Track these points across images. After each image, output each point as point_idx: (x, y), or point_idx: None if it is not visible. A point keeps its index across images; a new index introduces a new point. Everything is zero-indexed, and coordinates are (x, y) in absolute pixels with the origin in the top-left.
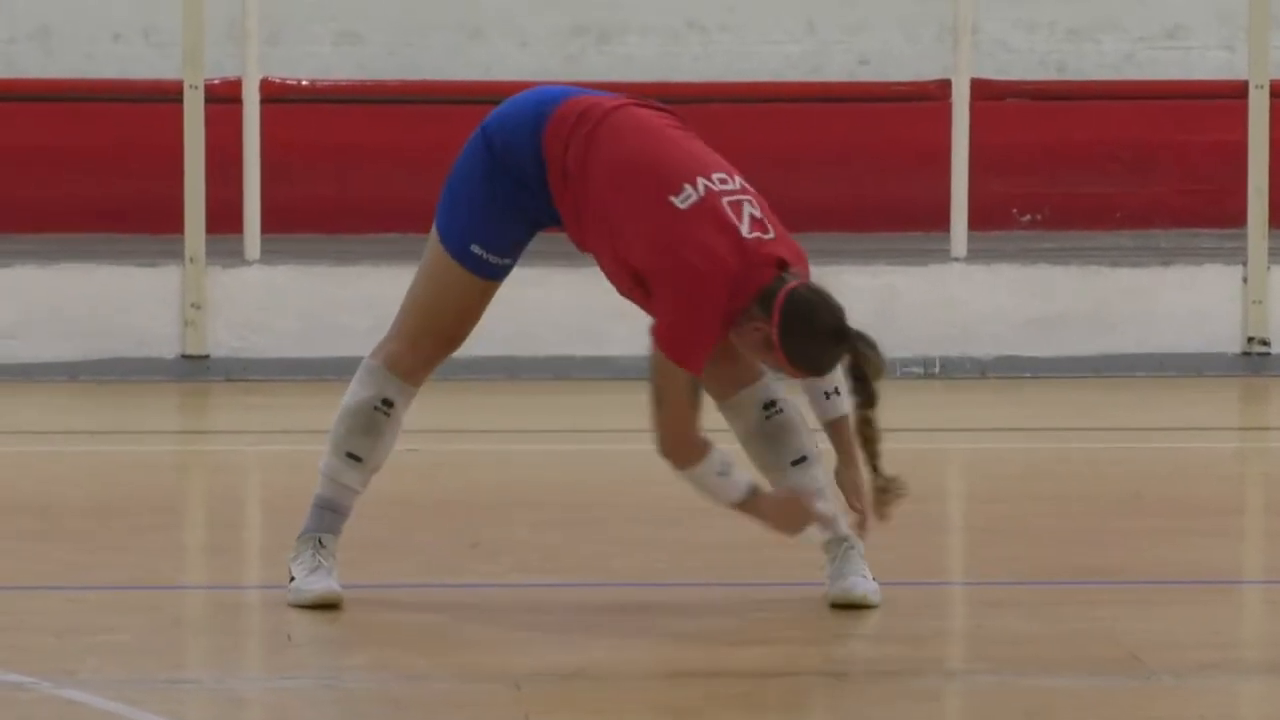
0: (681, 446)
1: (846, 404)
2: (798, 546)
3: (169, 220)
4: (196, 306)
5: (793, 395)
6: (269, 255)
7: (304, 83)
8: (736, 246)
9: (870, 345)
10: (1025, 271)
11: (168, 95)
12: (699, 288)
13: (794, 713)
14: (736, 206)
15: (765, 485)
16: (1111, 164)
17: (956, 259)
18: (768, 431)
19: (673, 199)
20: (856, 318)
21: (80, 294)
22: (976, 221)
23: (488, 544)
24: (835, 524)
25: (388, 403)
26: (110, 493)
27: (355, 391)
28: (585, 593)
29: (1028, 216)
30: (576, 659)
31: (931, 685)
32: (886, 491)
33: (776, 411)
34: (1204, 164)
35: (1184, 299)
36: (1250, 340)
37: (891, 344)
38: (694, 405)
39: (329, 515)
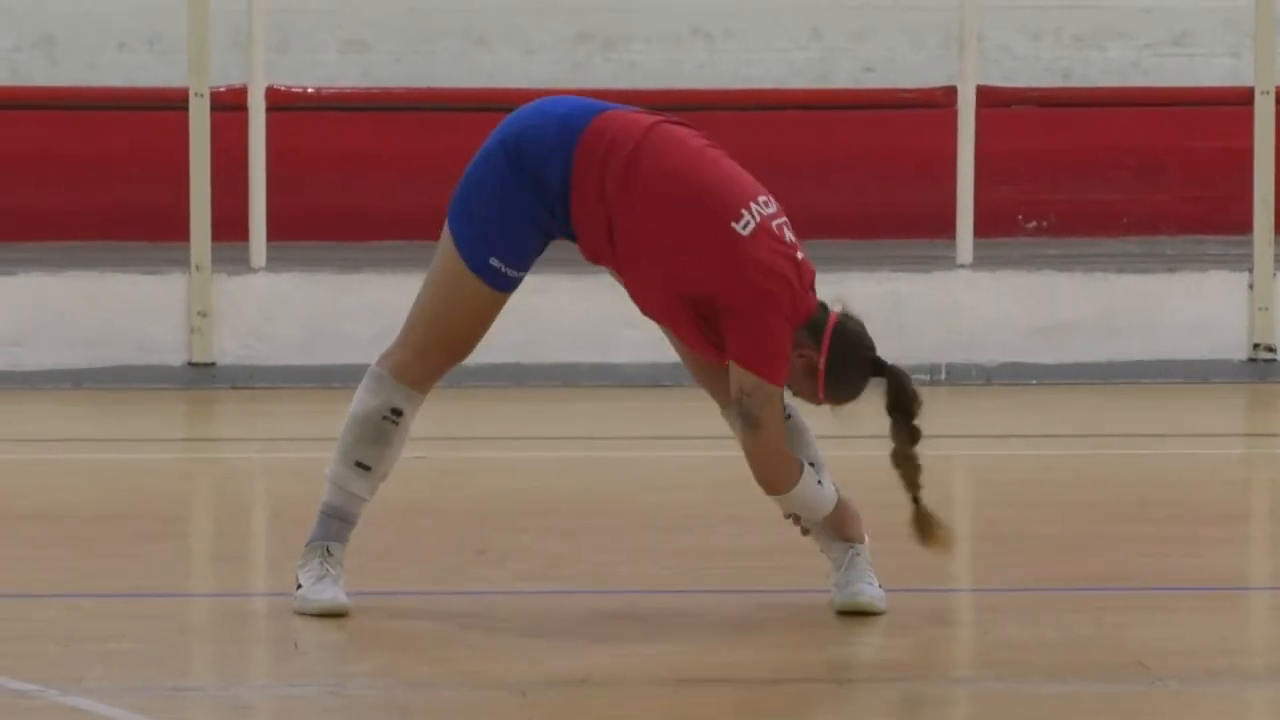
0: (784, 467)
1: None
2: (803, 554)
3: (175, 228)
4: (202, 314)
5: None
6: (275, 263)
7: (310, 90)
8: (795, 267)
9: (907, 378)
10: (1031, 278)
11: (173, 103)
12: (775, 307)
13: (800, 719)
14: (781, 230)
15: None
16: (1117, 171)
17: (962, 266)
18: None
19: (735, 226)
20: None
21: (86, 302)
22: (982, 228)
23: (494, 551)
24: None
25: (396, 411)
26: (116, 500)
27: (363, 400)
28: (591, 600)
29: (1033, 223)
30: (582, 666)
31: (937, 692)
32: (931, 528)
33: (784, 418)
34: (1210, 170)
35: (1190, 305)
36: (1256, 347)
37: (897, 351)
38: (783, 423)
39: (336, 523)
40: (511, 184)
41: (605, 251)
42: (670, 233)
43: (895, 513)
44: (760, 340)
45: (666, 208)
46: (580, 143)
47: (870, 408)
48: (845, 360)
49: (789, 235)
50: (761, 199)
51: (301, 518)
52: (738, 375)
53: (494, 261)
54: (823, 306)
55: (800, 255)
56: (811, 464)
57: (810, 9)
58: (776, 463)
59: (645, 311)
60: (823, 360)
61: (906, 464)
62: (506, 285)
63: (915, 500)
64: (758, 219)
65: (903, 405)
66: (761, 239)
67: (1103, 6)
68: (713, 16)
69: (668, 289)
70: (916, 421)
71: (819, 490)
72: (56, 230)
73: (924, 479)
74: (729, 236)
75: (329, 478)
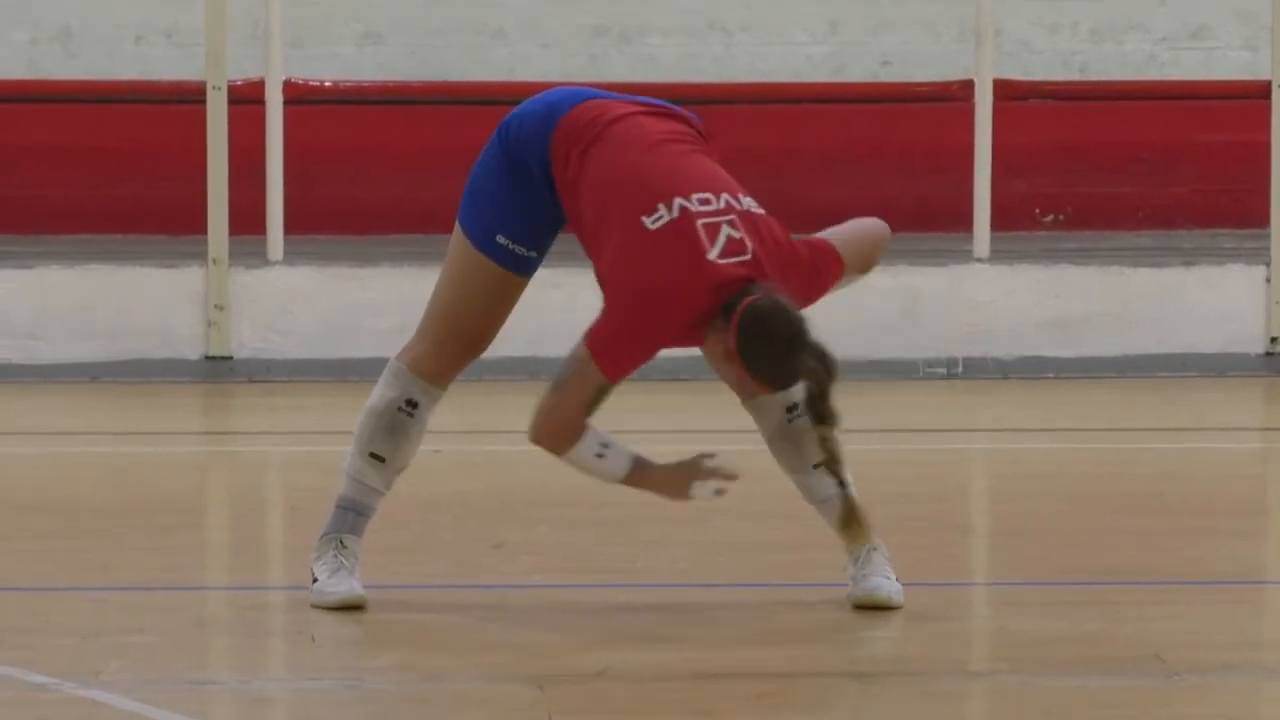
0: (558, 431)
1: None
2: (820, 548)
3: (192, 221)
4: (220, 307)
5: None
6: (292, 256)
7: (327, 84)
8: (697, 269)
9: (822, 358)
10: (1047, 272)
11: (190, 96)
12: (644, 306)
13: (817, 713)
14: (713, 229)
15: (647, 455)
16: (1134, 164)
17: (979, 259)
18: (790, 434)
19: (644, 219)
20: (822, 329)
21: (103, 295)
22: (999, 222)
23: (511, 545)
24: (724, 471)
25: (411, 404)
26: (133, 494)
27: (380, 392)
28: (608, 593)
29: (1050, 217)
30: (600, 659)
31: (954, 686)
32: (849, 517)
33: (798, 414)
34: (1226, 164)
35: (1206, 299)
36: (1273, 340)
37: (913, 344)
38: (590, 408)
39: (352, 516)
40: (506, 167)
41: (579, 237)
42: (596, 220)
43: (910, 506)
44: (615, 335)
45: (598, 195)
46: (556, 130)
47: (863, 402)
48: (756, 341)
49: (727, 235)
50: (698, 196)
51: (318, 511)
52: (579, 342)
53: (500, 239)
54: (744, 292)
55: (725, 258)
56: (816, 466)
57: (827, 2)
58: (556, 426)
59: None
60: (733, 341)
61: (822, 446)
62: (516, 264)
63: (840, 484)
64: (675, 214)
65: (808, 385)
66: (666, 237)
67: (1119, 0)
68: (729, 10)
69: (598, 276)
70: (829, 402)
71: (596, 462)
72: (74, 224)
73: (846, 468)
74: (634, 228)
75: (345, 470)
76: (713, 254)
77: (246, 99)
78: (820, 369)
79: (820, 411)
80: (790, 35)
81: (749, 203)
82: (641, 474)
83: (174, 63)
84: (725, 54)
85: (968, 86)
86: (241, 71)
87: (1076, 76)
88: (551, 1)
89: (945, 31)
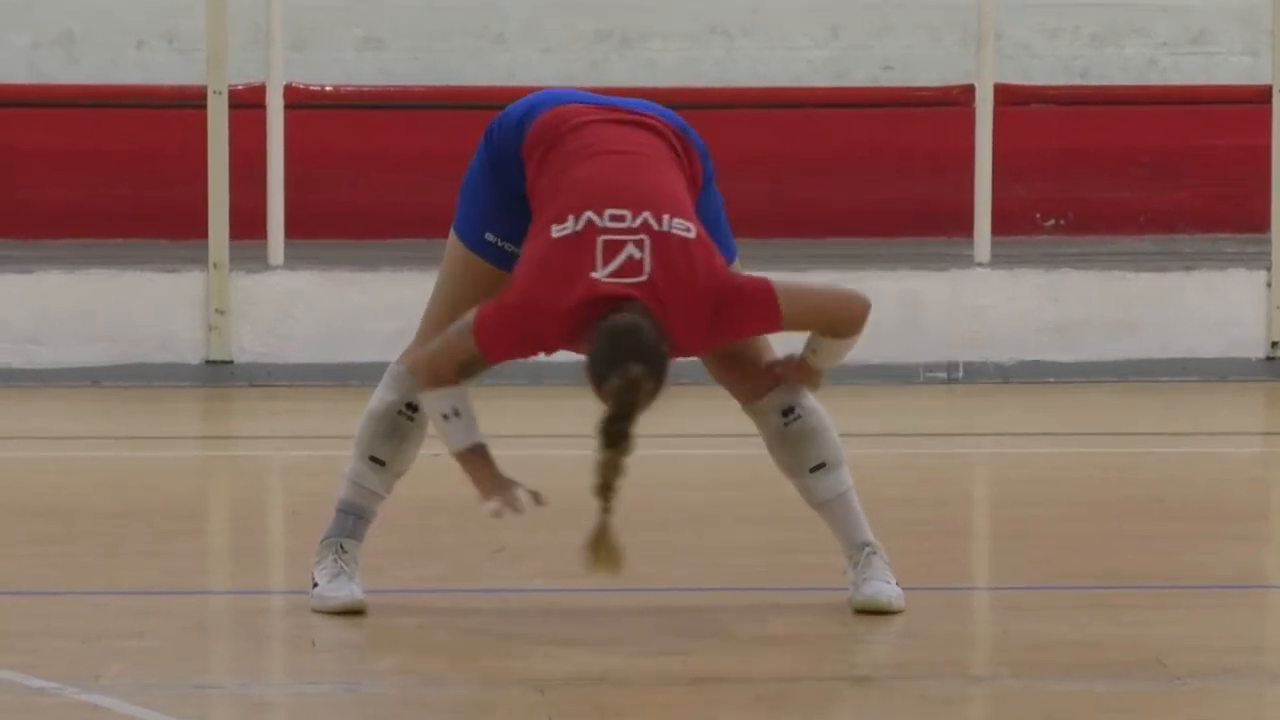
0: (425, 371)
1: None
2: (821, 552)
3: (193, 226)
4: (220, 312)
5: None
6: (293, 261)
7: (328, 88)
8: (575, 284)
9: (636, 385)
10: (1048, 276)
11: (191, 101)
12: (522, 312)
13: (817, 718)
14: (614, 246)
15: (488, 452)
16: (1135, 169)
17: (979, 264)
18: (787, 438)
19: (553, 227)
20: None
21: (104, 299)
22: (999, 226)
23: (512, 549)
24: (515, 505)
25: (412, 407)
26: (134, 498)
27: (380, 396)
28: (609, 598)
29: (1051, 221)
30: (600, 664)
31: (955, 690)
32: (602, 545)
33: (795, 418)
34: (1228, 169)
35: (1207, 304)
36: (1275, 345)
37: (914, 349)
38: (462, 371)
39: (352, 520)
40: (491, 167)
41: None
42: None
43: (910, 511)
44: (498, 324)
45: (537, 200)
46: (529, 132)
47: (863, 406)
48: (595, 356)
49: (628, 255)
50: (611, 212)
51: (319, 515)
52: (479, 307)
53: (490, 236)
54: (620, 307)
55: (614, 277)
56: (822, 465)
57: (828, 7)
58: (426, 366)
59: None
60: (587, 356)
61: (598, 468)
62: (507, 262)
63: (603, 509)
64: (579, 228)
65: (616, 406)
66: (562, 248)
67: (1120, 5)
68: (731, 14)
69: None
70: (624, 428)
71: (442, 422)
72: (74, 228)
73: (615, 496)
74: (542, 235)
75: (345, 474)
76: (601, 271)
77: (247, 103)
78: (630, 393)
79: (611, 433)
80: (792, 40)
81: (677, 225)
82: (473, 460)
83: (175, 67)
84: (727, 58)
85: (969, 91)
86: (242, 76)
87: (1077, 81)
88: (553, 6)
89: (946, 36)
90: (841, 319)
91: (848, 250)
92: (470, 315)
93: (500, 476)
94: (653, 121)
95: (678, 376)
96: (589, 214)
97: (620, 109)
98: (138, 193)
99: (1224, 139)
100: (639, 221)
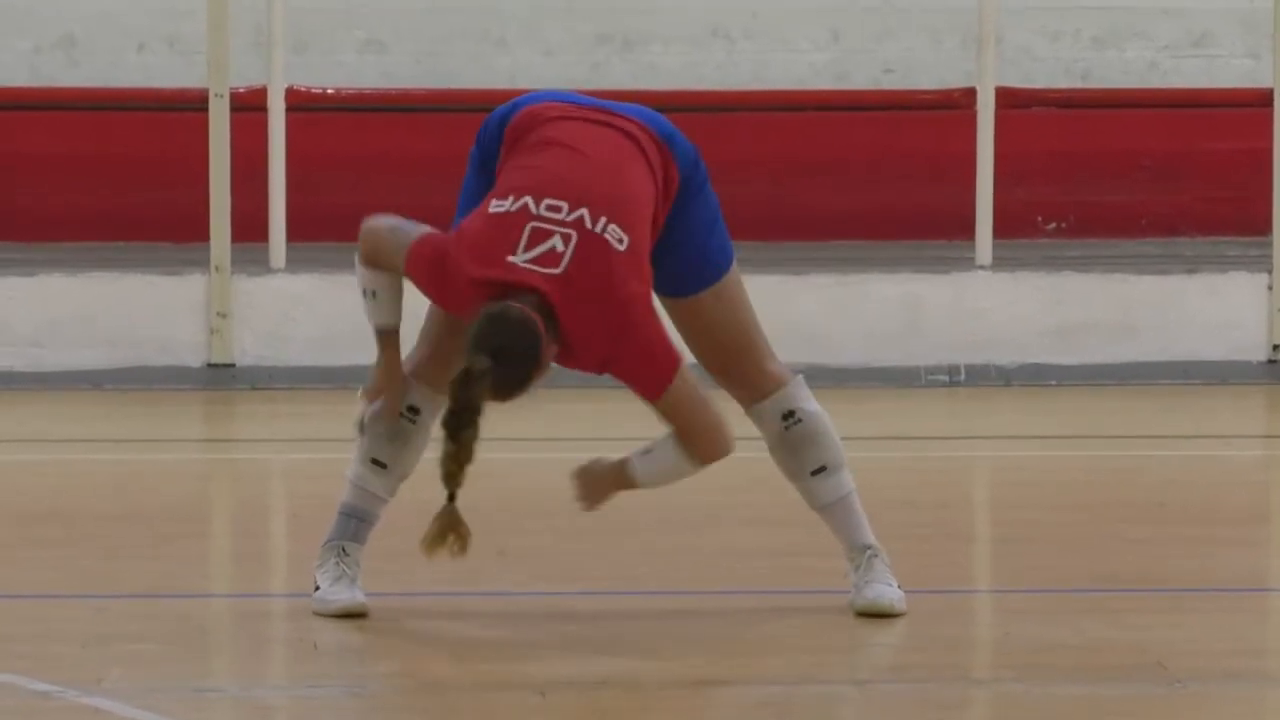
0: (366, 244)
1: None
2: (822, 555)
3: (194, 229)
4: (222, 315)
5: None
6: (294, 264)
7: (329, 91)
8: (489, 260)
9: (485, 376)
10: (1050, 279)
11: (193, 104)
12: (443, 263)
13: None
14: (541, 234)
15: (397, 340)
16: (1136, 172)
17: (981, 267)
18: (787, 442)
19: (494, 201)
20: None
21: (106, 302)
22: (1001, 229)
23: (513, 552)
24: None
25: (413, 410)
26: (135, 501)
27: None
28: (610, 601)
29: (1052, 224)
30: (601, 667)
31: (956, 693)
32: (447, 531)
33: (795, 422)
34: (1229, 172)
35: (1209, 307)
36: (1276, 348)
37: (916, 352)
38: (389, 256)
39: (354, 523)
40: (480, 165)
41: None
42: None
43: (912, 514)
44: (433, 250)
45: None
46: (506, 131)
47: (865, 409)
48: (466, 339)
49: (551, 245)
50: (548, 202)
51: (321, 518)
52: (434, 230)
53: None
54: (516, 294)
55: (530, 264)
56: (823, 468)
57: (829, 10)
58: (364, 242)
59: None
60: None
61: (445, 458)
62: None
63: (449, 497)
64: (514, 209)
65: (463, 395)
66: (492, 223)
67: (1122, 8)
68: (732, 17)
69: None
70: (470, 418)
71: (365, 298)
72: (76, 231)
73: (458, 483)
74: (485, 205)
75: (348, 477)
76: (518, 256)
77: (249, 106)
78: (469, 386)
79: (451, 424)
80: (793, 43)
81: (612, 231)
82: (380, 342)
83: (176, 70)
84: (728, 61)
85: (970, 94)
86: (244, 79)
87: (1079, 84)
88: (554, 9)
89: (948, 39)
90: (698, 444)
91: (849, 253)
92: (418, 234)
93: (397, 373)
94: (626, 124)
95: None
96: (527, 199)
97: (597, 109)
98: (139, 196)
99: (1225, 142)
100: (573, 216)
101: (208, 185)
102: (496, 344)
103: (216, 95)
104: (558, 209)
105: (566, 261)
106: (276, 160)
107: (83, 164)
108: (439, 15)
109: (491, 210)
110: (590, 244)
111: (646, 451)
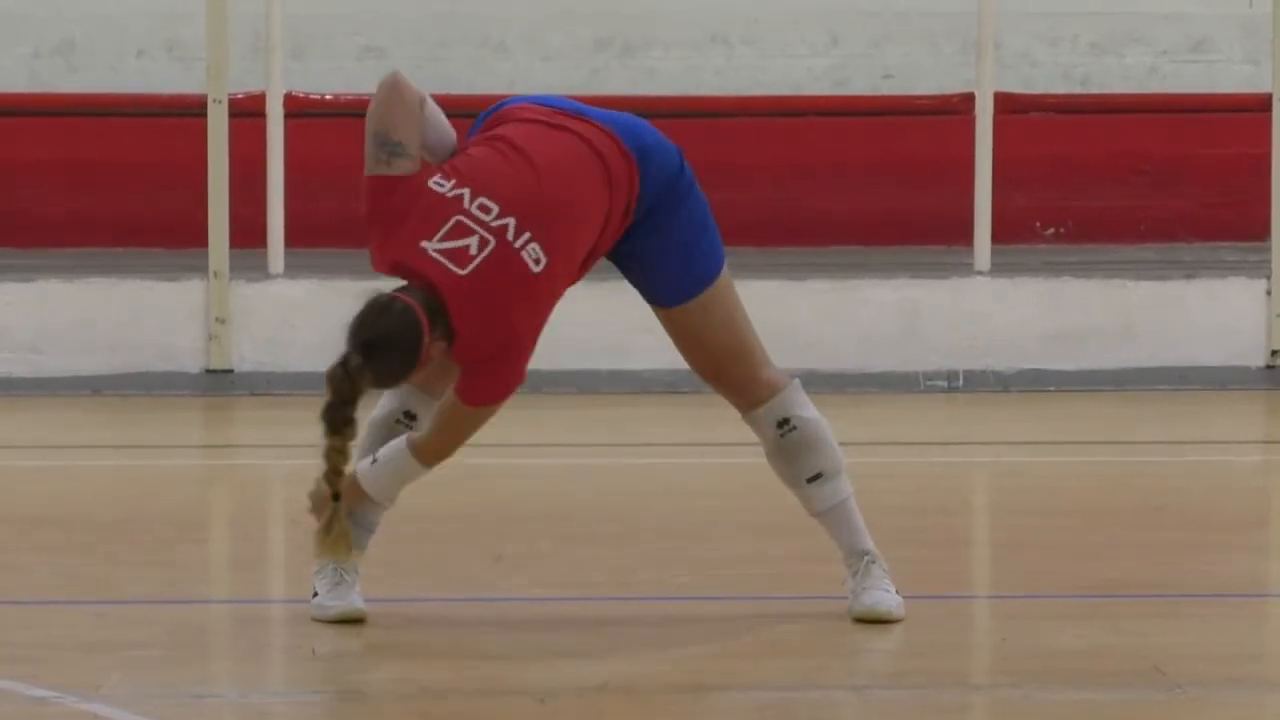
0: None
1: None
2: (821, 561)
3: (193, 234)
4: (220, 321)
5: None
6: (293, 269)
7: (328, 97)
8: (404, 240)
9: (350, 370)
10: (1048, 285)
11: (192, 110)
12: (368, 214)
13: None
14: (462, 230)
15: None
16: (1135, 177)
17: (980, 272)
18: (783, 449)
19: (436, 178)
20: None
21: (104, 308)
22: (1000, 235)
23: (511, 558)
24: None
25: (410, 415)
26: (134, 507)
27: (380, 404)
28: (609, 607)
29: (1051, 230)
30: (600, 673)
31: (955, 699)
32: (330, 530)
33: (790, 429)
34: (1228, 177)
35: (1208, 312)
36: (1275, 354)
37: (914, 357)
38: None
39: (353, 529)
40: None
41: None
42: None
43: (910, 519)
44: (388, 184)
45: None
46: (483, 126)
47: (863, 415)
48: (349, 322)
49: (465, 243)
50: (480, 202)
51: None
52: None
53: None
54: (409, 287)
55: (442, 257)
56: (819, 475)
57: (828, 15)
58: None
59: None
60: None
61: (326, 454)
62: None
63: (334, 497)
64: (449, 196)
65: (335, 389)
66: (424, 202)
67: (1121, 13)
68: (731, 23)
69: None
70: (344, 412)
71: (366, 466)
72: (75, 237)
73: (342, 478)
74: (423, 179)
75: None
76: (431, 243)
77: (247, 112)
78: (343, 380)
79: (330, 419)
80: (792, 48)
81: (530, 251)
82: (349, 489)
83: (175, 76)
84: (727, 66)
85: (969, 99)
86: (242, 85)
87: (1077, 89)
88: (554, 15)
89: (946, 44)
90: (435, 444)
91: (848, 258)
92: (390, 169)
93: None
94: (588, 129)
95: (677, 385)
96: (465, 190)
97: (563, 112)
98: (138, 201)
99: (1224, 147)
100: (499, 223)
101: (206, 191)
102: (373, 336)
103: (215, 101)
104: (488, 210)
105: (473, 266)
106: (275, 166)
107: (82, 169)
108: (438, 21)
109: (429, 185)
110: (505, 257)
111: (373, 461)
